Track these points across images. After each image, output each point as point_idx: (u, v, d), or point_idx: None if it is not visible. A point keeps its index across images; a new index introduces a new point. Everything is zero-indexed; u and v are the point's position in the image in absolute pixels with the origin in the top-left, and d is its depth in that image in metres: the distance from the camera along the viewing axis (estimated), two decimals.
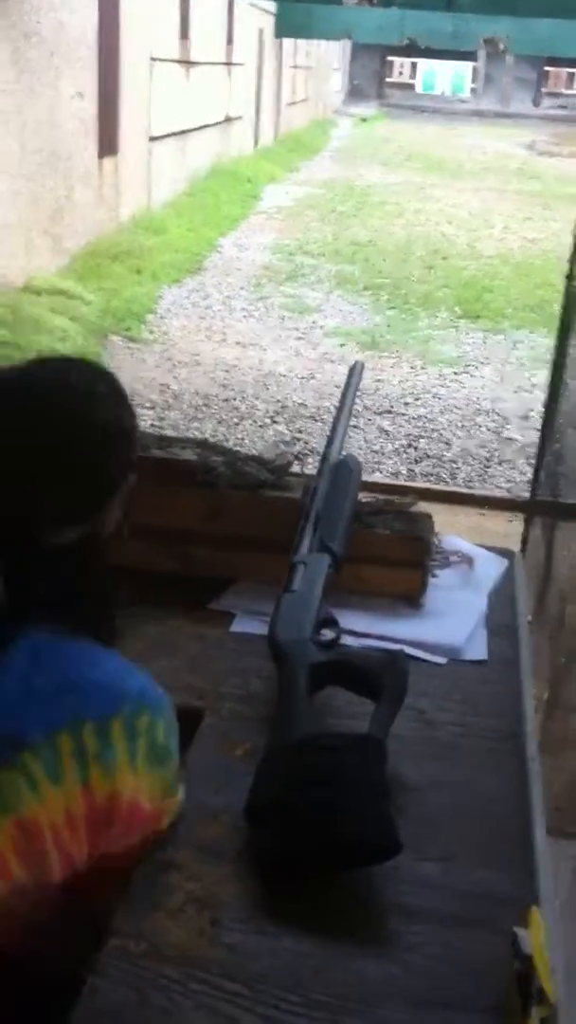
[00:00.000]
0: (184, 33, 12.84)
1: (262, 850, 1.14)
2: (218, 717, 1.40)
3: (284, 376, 7.14)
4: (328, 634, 1.42)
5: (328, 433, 1.78)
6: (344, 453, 1.73)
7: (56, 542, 1.07)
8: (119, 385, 1.16)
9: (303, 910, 1.08)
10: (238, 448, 1.87)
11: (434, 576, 1.74)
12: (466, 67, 38.61)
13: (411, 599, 1.69)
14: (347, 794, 1.13)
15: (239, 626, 1.62)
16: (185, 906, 1.07)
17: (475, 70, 38.78)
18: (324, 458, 1.69)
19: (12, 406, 1.07)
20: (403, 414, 6.50)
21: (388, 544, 1.68)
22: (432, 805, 1.26)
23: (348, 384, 1.82)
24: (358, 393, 1.86)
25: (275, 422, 6.24)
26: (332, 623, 1.44)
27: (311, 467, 1.91)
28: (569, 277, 2.81)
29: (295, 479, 1.77)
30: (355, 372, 1.84)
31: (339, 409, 1.79)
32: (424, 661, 1.55)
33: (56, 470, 1.06)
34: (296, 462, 1.83)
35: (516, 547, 2.33)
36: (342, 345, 8.02)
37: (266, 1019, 0.96)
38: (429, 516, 1.75)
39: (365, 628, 1.61)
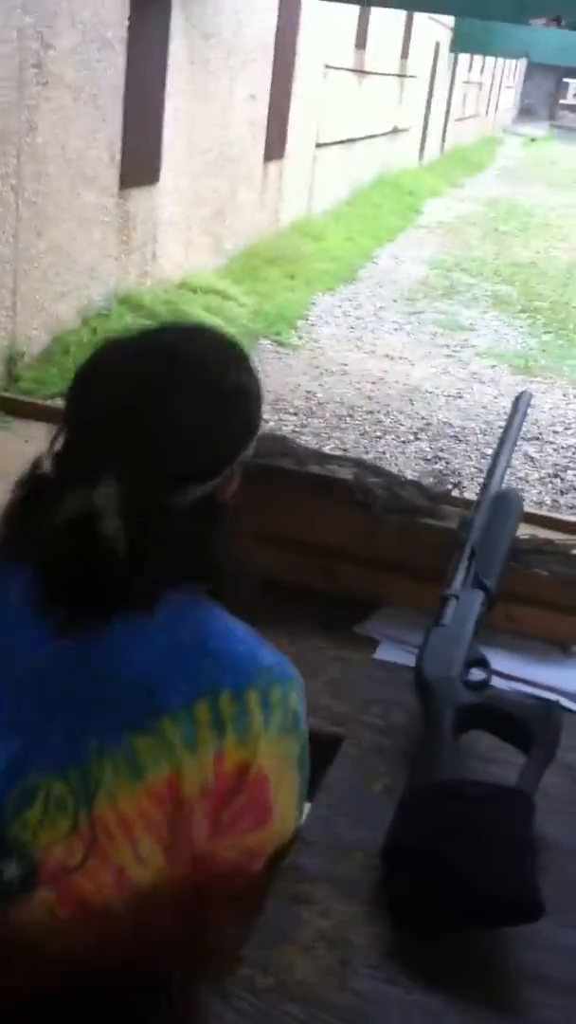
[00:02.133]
0: (361, 42, 12.86)
1: (398, 896, 1.09)
2: (357, 746, 1.36)
3: (430, 393, 7.06)
4: (478, 675, 1.37)
5: (489, 463, 1.73)
6: (505, 486, 1.67)
7: (178, 502, 1.05)
8: (243, 351, 1.16)
9: (437, 964, 1.04)
10: (398, 471, 1.83)
11: None
12: None
13: (564, 645, 1.63)
14: (491, 849, 1.08)
15: (383, 653, 1.58)
16: (315, 943, 1.04)
17: None
18: (484, 489, 1.65)
19: (139, 363, 1.08)
20: (552, 442, 6.35)
21: (546, 586, 1.62)
22: None
23: (514, 413, 1.76)
24: (524, 423, 1.80)
25: (418, 439, 6.17)
26: (483, 663, 1.39)
27: (468, 492, 1.86)
28: None
29: (451, 508, 1.72)
30: (522, 401, 1.78)
31: (502, 439, 1.73)
32: None
33: (179, 425, 1.05)
34: (454, 489, 1.79)
35: None
36: (493, 367, 7.89)
37: None
38: None
39: (516, 672, 1.55)
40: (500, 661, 1.54)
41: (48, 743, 1.03)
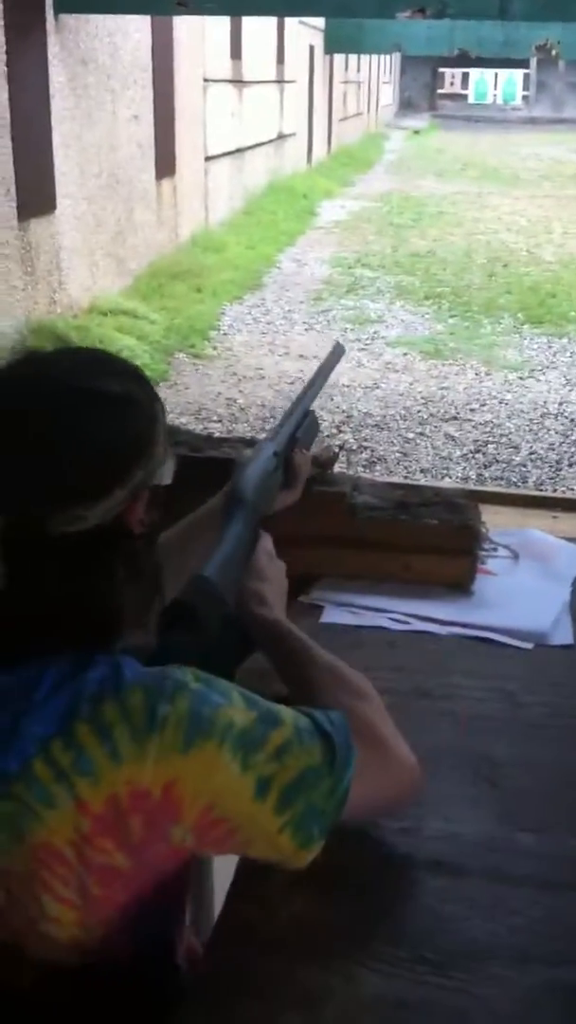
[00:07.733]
0: (236, 53, 13.02)
1: None
2: None
3: (348, 387, 7.20)
4: None
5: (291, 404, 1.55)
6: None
7: (66, 530, 0.93)
8: (128, 364, 1.06)
9: (410, 880, 1.14)
10: None
11: (482, 564, 1.77)
12: (518, 75, 38.54)
13: (461, 586, 1.73)
14: None
15: (328, 617, 1.67)
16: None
17: (527, 77, 38.69)
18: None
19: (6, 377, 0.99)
20: (469, 420, 6.53)
21: (437, 533, 1.72)
22: (525, 780, 1.30)
23: (325, 363, 1.61)
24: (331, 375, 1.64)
25: (341, 432, 6.30)
26: None
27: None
28: None
29: (343, 474, 1.80)
30: (335, 353, 1.64)
31: (308, 385, 1.56)
32: (511, 646, 1.60)
33: (48, 438, 0.94)
34: (341, 456, 1.86)
35: None
36: (405, 355, 8.06)
37: (379, 974, 1.01)
38: (476, 505, 1.78)
39: (449, 617, 1.65)
40: (434, 610, 1.65)
41: None
